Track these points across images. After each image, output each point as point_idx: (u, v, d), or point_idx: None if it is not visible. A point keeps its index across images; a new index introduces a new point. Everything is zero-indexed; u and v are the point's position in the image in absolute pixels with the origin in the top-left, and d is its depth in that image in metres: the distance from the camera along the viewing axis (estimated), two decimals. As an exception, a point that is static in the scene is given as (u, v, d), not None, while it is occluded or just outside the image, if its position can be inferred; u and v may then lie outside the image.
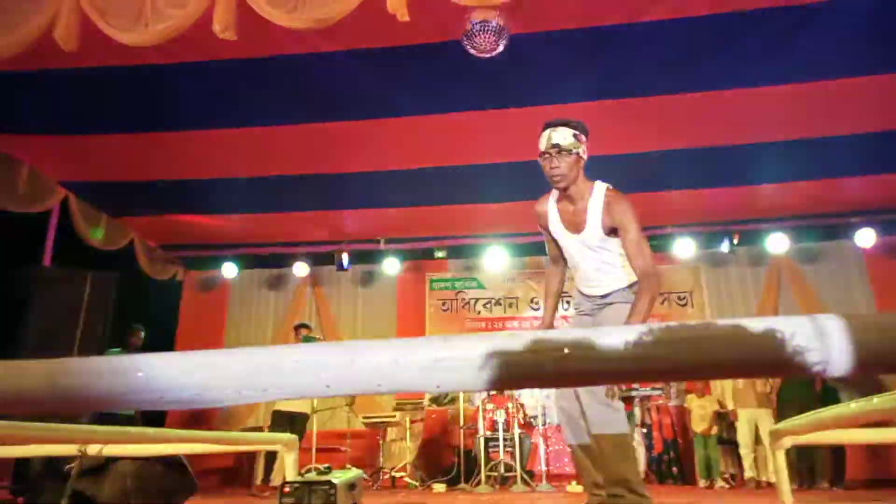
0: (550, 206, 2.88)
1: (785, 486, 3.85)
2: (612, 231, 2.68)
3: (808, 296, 8.25)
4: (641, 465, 7.48)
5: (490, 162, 6.45)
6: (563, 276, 3.10)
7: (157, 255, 8.39)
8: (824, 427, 3.26)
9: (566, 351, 0.97)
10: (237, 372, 1.12)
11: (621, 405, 2.70)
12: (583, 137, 2.72)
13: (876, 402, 2.44)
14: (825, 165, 6.52)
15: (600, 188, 2.73)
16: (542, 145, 2.70)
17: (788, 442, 3.72)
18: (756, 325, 0.96)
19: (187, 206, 7.31)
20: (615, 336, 0.99)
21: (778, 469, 3.86)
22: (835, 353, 0.94)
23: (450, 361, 1.08)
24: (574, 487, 6.52)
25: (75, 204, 6.64)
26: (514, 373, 1.09)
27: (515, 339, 1.13)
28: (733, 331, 0.96)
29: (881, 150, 6.10)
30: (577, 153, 2.67)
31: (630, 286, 2.76)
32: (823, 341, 0.93)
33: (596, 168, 6.26)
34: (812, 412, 3.18)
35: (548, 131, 2.70)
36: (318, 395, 1.12)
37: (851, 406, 2.70)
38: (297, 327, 7.25)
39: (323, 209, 7.54)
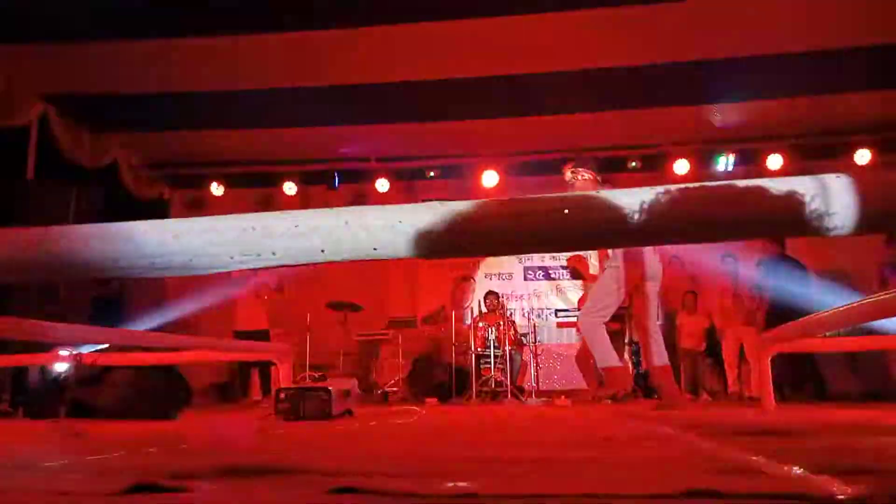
0: None
1: (769, 393, 3.96)
2: None
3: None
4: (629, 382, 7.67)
5: (482, 75, 6.26)
6: None
7: (142, 172, 8.22)
8: (811, 333, 3.31)
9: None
10: (230, 237, 1.09)
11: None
12: (576, 170, 4.67)
13: (871, 299, 2.47)
14: (824, 80, 6.38)
15: None
16: None
17: (775, 350, 3.80)
18: (777, 185, 0.94)
19: (172, 122, 7.10)
20: (633, 196, 0.97)
21: (763, 376, 3.96)
22: (853, 211, 0.92)
23: (448, 224, 1.05)
24: (563, 402, 6.69)
25: (55, 117, 6.42)
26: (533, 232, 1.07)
27: (519, 203, 1.10)
28: (754, 190, 0.94)
29: (883, 63, 5.94)
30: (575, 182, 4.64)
31: None
32: (843, 201, 0.91)
33: (589, 81, 6.13)
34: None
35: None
36: (312, 259, 1.09)
37: (838, 309, 2.74)
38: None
39: (312, 125, 7.35)
